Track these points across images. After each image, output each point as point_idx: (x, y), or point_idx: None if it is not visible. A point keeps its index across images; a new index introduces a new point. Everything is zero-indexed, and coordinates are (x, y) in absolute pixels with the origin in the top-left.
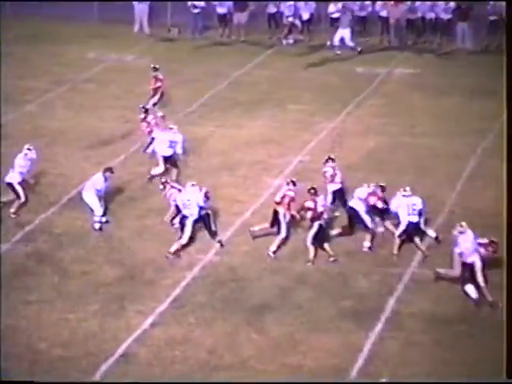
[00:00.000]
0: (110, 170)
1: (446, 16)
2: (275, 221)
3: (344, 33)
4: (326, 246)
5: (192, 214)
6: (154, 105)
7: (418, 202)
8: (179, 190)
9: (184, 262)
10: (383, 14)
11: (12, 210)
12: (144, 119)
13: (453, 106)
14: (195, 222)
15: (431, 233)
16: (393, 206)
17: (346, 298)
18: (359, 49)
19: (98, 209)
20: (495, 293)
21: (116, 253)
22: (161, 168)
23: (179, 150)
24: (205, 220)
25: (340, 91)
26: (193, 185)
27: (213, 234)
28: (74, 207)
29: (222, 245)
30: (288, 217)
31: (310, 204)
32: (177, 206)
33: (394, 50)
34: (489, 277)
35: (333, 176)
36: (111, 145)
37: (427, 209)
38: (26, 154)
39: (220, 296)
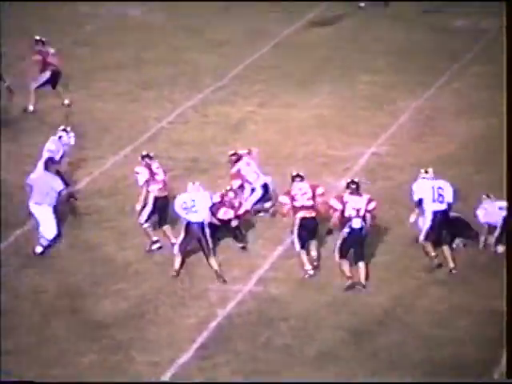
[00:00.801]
0: (50, 160)
1: None
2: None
3: None
4: (360, 265)
5: (201, 219)
6: (38, 87)
7: (446, 186)
8: (152, 175)
9: (214, 293)
10: None
11: None
12: None
13: None
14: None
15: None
16: (415, 194)
17: (443, 343)
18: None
19: (52, 229)
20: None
21: (119, 281)
22: None
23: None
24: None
25: (430, 55)
26: (194, 183)
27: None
28: (61, 219)
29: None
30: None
31: (335, 204)
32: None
33: None
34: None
35: (295, 208)
36: (112, 133)
37: None
38: (60, 137)
39: (264, 341)
